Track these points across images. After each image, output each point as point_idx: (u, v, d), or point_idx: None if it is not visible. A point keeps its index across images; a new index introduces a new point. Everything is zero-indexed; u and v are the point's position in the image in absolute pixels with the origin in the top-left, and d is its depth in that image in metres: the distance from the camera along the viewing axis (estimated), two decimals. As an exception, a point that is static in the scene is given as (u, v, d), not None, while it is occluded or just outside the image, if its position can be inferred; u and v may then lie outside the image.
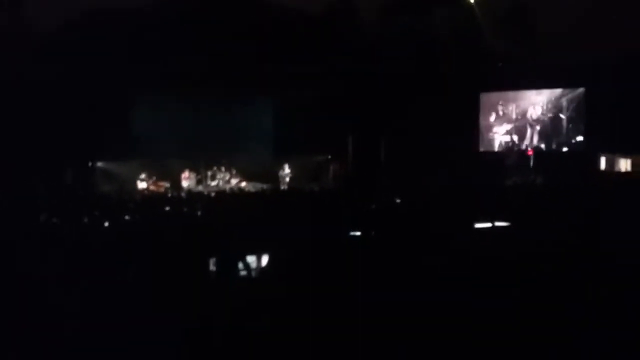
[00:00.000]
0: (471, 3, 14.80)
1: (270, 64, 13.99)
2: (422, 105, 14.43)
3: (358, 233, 6.07)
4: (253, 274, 5.24)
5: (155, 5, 13.87)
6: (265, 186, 16.07)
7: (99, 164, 15.96)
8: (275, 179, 16.55)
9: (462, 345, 3.64)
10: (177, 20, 13.64)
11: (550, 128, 15.98)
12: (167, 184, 16.06)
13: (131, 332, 3.89)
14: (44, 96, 13.18)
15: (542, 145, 15.92)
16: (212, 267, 5.13)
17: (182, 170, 16.29)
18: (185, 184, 16.19)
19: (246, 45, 13.70)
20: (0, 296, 4.27)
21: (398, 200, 8.74)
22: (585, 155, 15.30)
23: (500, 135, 16.17)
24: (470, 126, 15.85)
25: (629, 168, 14.97)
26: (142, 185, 15.85)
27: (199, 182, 16.43)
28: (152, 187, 15.85)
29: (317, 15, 15.37)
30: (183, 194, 14.75)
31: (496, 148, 16.22)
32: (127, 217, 7.76)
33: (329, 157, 16.98)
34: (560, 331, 3.61)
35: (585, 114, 15.57)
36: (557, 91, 15.87)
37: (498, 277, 4.54)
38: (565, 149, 15.78)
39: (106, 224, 7.55)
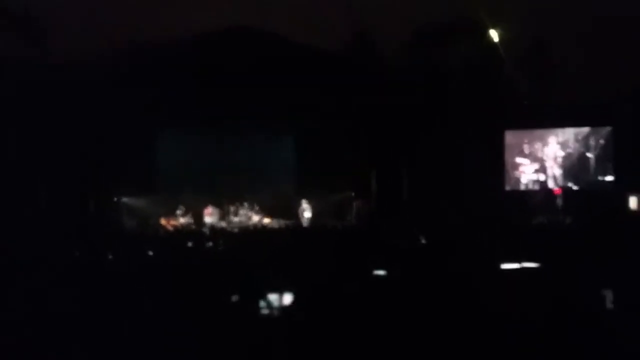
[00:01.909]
0: (495, 41, 14.83)
1: (292, 100, 14.09)
2: (447, 142, 14.38)
3: (382, 272, 5.96)
4: (275, 312, 5.15)
5: (180, 42, 14.15)
6: (288, 223, 16.04)
7: (123, 199, 16.11)
8: (298, 215, 16.51)
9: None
10: (199, 56, 13.86)
11: (577, 167, 15.76)
12: (190, 220, 16.11)
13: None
14: (66, 130, 13.40)
15: (570, 184, 15.68)
16: (234, 304, 5.06)
17: (205, 206, 16.35)
18: (208, 219, 16.22)
19: (268, 82, 13.84)
20: (20, 325, 4.26)
21: (423, 239, 8.60)
22: (614, 195, 15.03)
23: (526, 174, 15.97)
24: (496, 164, 15.70)
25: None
26: (165, 220, 15.92)
27: (221, 217, 16.46)
28: (174, 223, 15.92)
29: (339, 51, 15.51)
30: (206, 230, 14.79)
31: (523, 187, 16.01)
32: (150, 253, 7.74)
33: (353, 194, 16.91)
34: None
35: (612, 153, 15.37)
36: (584, 130, 15.69)
37: (526, 319, 4.40)
38: (593, 188, 15.52)
39: (129, 259, 7.53)
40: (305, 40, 14.68)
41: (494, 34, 14.88)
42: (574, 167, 15.77)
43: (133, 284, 5.43)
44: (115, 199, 15.93)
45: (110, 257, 7.36)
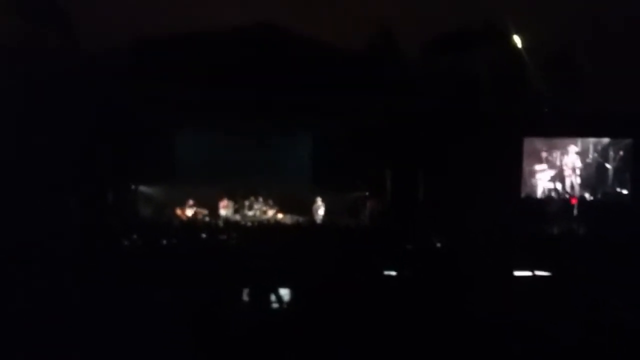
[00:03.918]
0: (518, 47, 14.73)
1: (311, 98, 14.13)
2: (464, 146, 14.31)
3: (393, 273, 5.99)
4: (284, 306, 5.20)
5: (200, 39, 14.25)
6: (301, 219, 16.09)
7: (140, 187, 16.31)
8: (312, 212, 16.56)
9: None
10: (219, 54, 13.97)
11: (595, 177, 15.63)
12: (205, 211, 16.24)
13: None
14: (87, 118, 13.55)
15: (587, 195, 15.56)
16: (245, 297, 5.11)
17: (220, 199, 16.47)
18: (223, 212, 16.33)
19: (287, 80, 13.89)
20: (36, 311, 4.35)
21: (435, 242, 8.61)
22: (631, 207, 14.89)
23: (543, 182, 15.87)
24: (513, 171, 15.60)
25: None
26: (180, 210, 16.07)
27: (236, 211, 16.57)
28: (189, 214, 16.05)
29: (358, 50, 15.49)
30: (220, 222, 14.89)
31: (539, 195, 15.91)
32: (164, 242, 7.83)
33: (367, 193, 16.93)
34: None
35: (632, 165, 15.23)
36: (604, 140, 15.57)
37: (535, 328, 4.40)
38: (609, 200, 15.39)
39: (145, 248, 7.63)
40: (326, 39, 14.69)
41: (517, 40, 14.78)
42: (591, 177, 15.64)
43: (146, 272, 5.51)
44: (133, 186, 16.10)
45: (126, 243, 7.47)
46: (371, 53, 15.50)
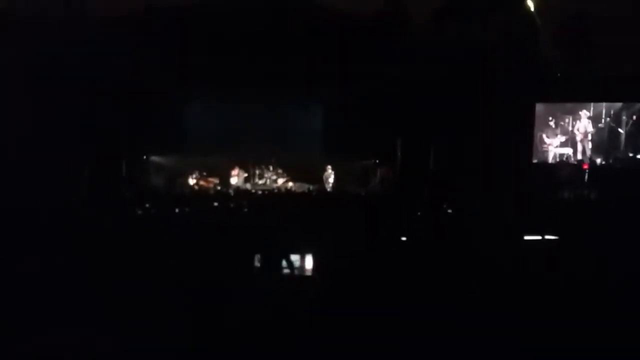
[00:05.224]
0: (531, 10, 14.48)
1: (320, 66, 14.02)
2: (475, 112, 14.19)
3: (404, 238, 6.04)
4: (296, 273, 5.27)
5: (210, 6, 14.11)
6: (311, 187, 16.15)
7: (152, 157, 16.38)
8: (322, 180, 16.60)
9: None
10: (230, 22, 13.85)
11: (607, 143, 15.49)
12: (216, 180, 16.33)
13: (175, 324, 3.98)
14: (96, 88, 13.52)
15: (598, 160, 15.45)
16: (257, 264, 5.18)
17: (231, 167, 16.54)
18: (233, 181, 16.42)
19: (296, 47, 13.77)
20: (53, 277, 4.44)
21: (446, 208, 8.64)
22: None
23: (554, 147, 15.76)
24: (524, 136, 15.48)
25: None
26: (192, 180, 16.18)
27: (247, 179, 16.64)
28: (201, 183, 16.16)
29: (368, 18, 15.29)
30: (231, 191, 15.00)
31: (550, 160, 15.82)
32: (176, 210, 7.91)
33: (377, 160, 16.91)
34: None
35: (645, 130, 15.09)
36: (617, 105, 15.37)
37: (545, 290, 4.45)
38: (622, 165, 15.27)
39: (156, 217, 7.72)
40: (334, 5, 14.50)
41: (529, 3, 14.52)
42: (603, 142, 15.50)
43: (159, 239, 5.59)
44: (145, 156, 16.16)
45: (139, 212, 7.55)
46: (382, 20, 15.30)
